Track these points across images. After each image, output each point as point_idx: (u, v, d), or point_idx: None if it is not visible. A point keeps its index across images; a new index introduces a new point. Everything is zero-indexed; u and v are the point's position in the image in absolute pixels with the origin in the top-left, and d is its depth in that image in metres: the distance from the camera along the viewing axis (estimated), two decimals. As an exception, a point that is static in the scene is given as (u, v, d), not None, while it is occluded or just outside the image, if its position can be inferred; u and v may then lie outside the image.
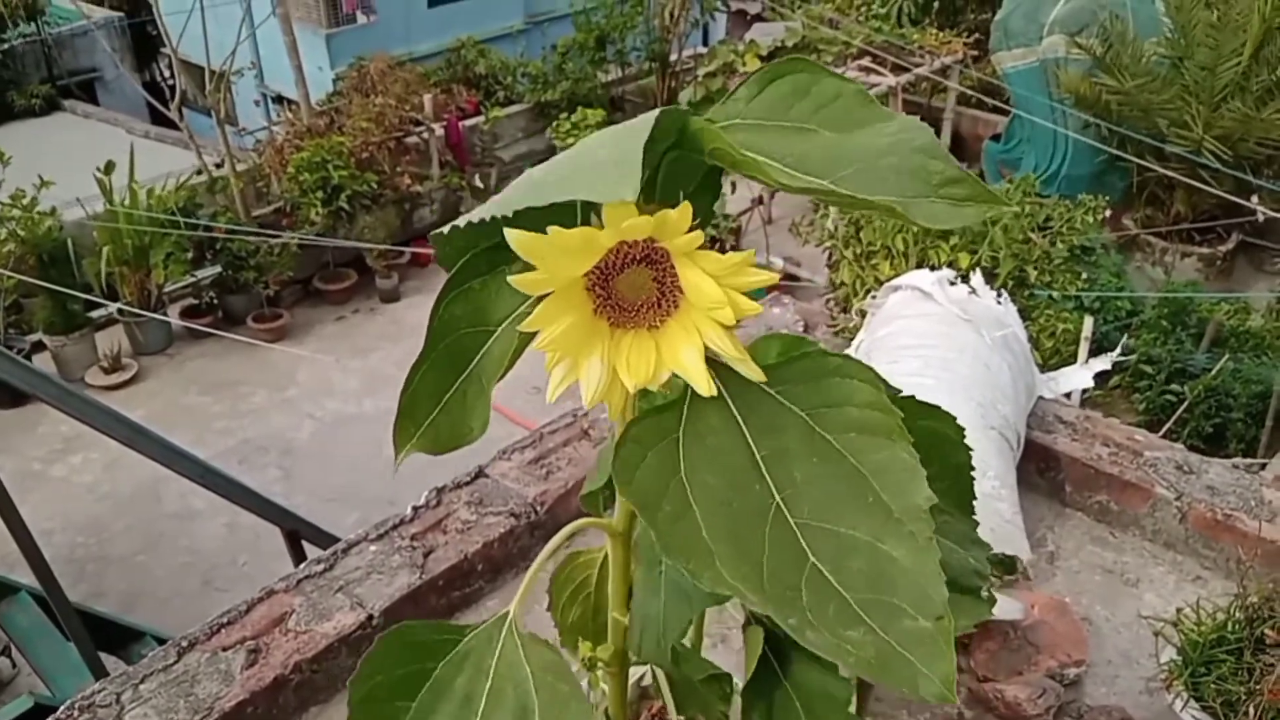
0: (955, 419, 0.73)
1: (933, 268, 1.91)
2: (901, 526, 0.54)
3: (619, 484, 0.53)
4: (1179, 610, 1.39)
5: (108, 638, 2.77)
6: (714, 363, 0.57)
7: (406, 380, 0.56)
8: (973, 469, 0.74)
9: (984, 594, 0.78)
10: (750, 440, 0.56)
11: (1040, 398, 1.91)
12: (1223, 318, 5.92)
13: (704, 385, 0.52)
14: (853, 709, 0.72)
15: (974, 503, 0.76)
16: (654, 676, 0.81)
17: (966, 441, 0.73)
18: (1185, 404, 5.32)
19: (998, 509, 1.58)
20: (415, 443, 0.56)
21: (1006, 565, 0.81)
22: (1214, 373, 5.42)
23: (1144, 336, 5.65)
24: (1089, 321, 5.13)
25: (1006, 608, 1.50)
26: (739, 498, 0.54)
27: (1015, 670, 1.48)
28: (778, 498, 0.54)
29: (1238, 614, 1.35)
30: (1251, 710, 1.23)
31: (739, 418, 0.56)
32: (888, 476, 0.56)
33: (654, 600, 0.71)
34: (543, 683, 0.66)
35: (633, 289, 0.54)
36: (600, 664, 0.84)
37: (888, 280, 1.96)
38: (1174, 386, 5.44)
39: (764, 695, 0.74)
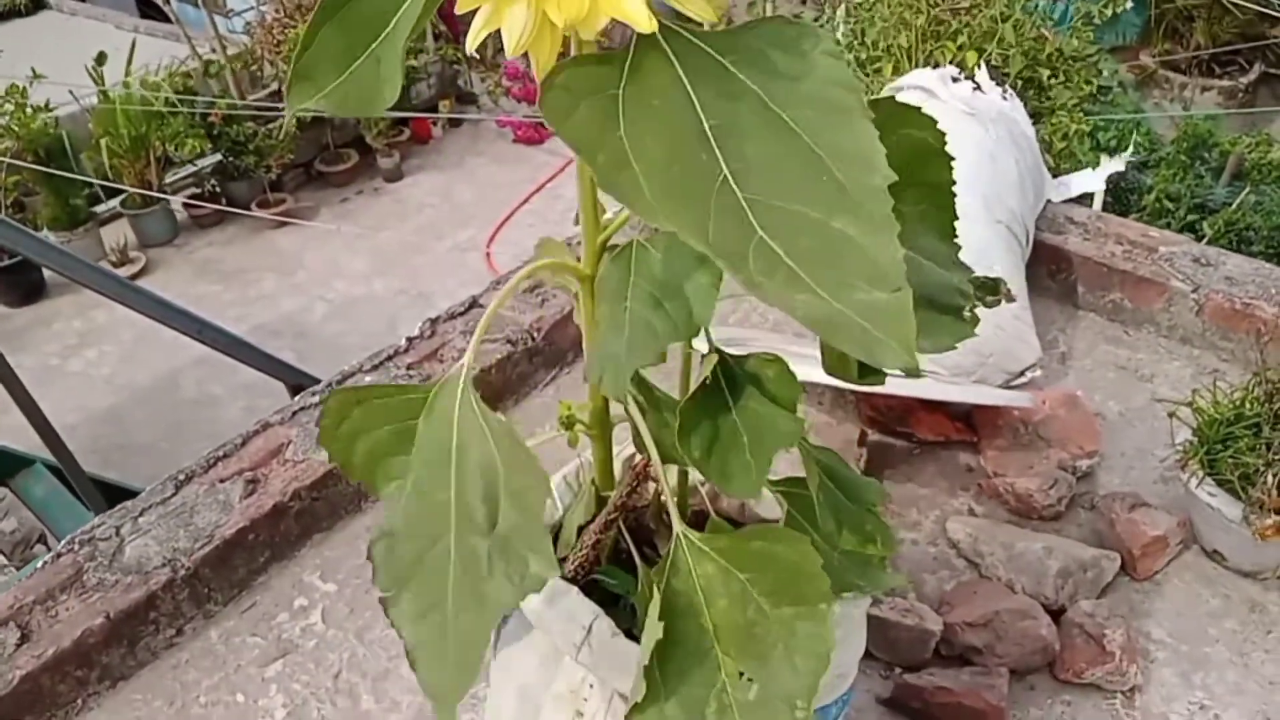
0: (936, 124, 0.67)
1: (936, 66, 1.81)
2: (858, 206, 0.49)
3: (552, 124, 0.48)
4: (1194, 392, 1.34)
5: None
6: (662, 27, 0.51)
7: (303, 41, 0.50)
8: (954, 184, 0.69)
9: (966, 314, 0.73)
10: (699, 108, 0.50)
11: (1049, 201, 1.84)
12: (1243, 150, 5.76)
13: (644, 22, 0.46)
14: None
15: (955, 224, 0.71)
16: (634, 430, 0.77)
17: (948, 151, 0.68)
18: (1206, 239, 5.21)
19: (1005, 305, 1.52)
20: (318, 102, 0.51)
21: (989, 286, 0.76)
22: (1234, 206, 5.30)
23: (1162, 172, 5.50)
24: (1105, 160, 5.00)
25: (1016, 398, 1.46)
26: (684, 165, 0.49)
27: (1026, 465, 1.44)
28: (725, 170, 0.49)
29: (1257, 391, 1.31)
30: (1270, 478, 1.20)
31: (687, 84, 0.50)
32: (845, 157, 0.50)
33: (617, 338, 0.67)
34: (501, 442, 0.64)
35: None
36: (580, 425, 0.81)
37: (890, 83, 1.87)
38: (1193, 219, 5.32)
39: (708, 417, 0.70)
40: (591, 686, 0.81)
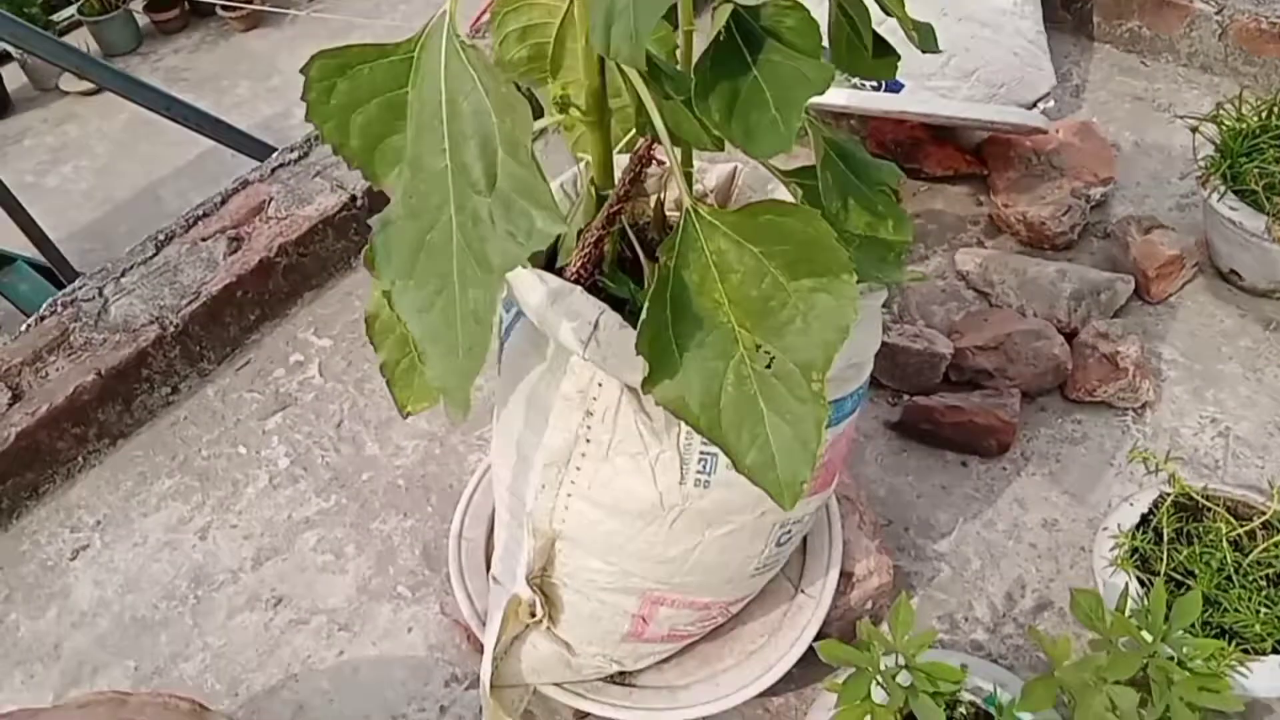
0: None
1: None
2: None
3: None
4: (1218, 105, 1.28)
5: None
6: None
7: None
8: None
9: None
10: None
11: (1066, -74, 1.72)
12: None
13: None
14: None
15: None
16: (637, 104, 0.71)
17: None
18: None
19: (1019, 27, 1.44)
20: None
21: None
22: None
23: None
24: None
25: (1031, 117, 1.39)
26: None
27: (1038, 195, 1.39)
28: None
29: (1284, 100, 1.24)
30: (1297, 183, 1.15)
31: None
32: None
33: (620, -2, 0.60)
34: (490, 87, 0.58)
35: None
36: (576, 109, 0.75)
37: None
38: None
39: (725, 77, 0.64)
40: (600, 385, 0.78)
